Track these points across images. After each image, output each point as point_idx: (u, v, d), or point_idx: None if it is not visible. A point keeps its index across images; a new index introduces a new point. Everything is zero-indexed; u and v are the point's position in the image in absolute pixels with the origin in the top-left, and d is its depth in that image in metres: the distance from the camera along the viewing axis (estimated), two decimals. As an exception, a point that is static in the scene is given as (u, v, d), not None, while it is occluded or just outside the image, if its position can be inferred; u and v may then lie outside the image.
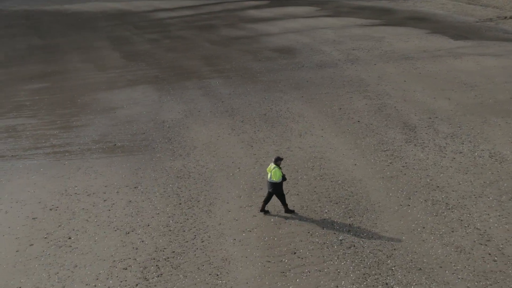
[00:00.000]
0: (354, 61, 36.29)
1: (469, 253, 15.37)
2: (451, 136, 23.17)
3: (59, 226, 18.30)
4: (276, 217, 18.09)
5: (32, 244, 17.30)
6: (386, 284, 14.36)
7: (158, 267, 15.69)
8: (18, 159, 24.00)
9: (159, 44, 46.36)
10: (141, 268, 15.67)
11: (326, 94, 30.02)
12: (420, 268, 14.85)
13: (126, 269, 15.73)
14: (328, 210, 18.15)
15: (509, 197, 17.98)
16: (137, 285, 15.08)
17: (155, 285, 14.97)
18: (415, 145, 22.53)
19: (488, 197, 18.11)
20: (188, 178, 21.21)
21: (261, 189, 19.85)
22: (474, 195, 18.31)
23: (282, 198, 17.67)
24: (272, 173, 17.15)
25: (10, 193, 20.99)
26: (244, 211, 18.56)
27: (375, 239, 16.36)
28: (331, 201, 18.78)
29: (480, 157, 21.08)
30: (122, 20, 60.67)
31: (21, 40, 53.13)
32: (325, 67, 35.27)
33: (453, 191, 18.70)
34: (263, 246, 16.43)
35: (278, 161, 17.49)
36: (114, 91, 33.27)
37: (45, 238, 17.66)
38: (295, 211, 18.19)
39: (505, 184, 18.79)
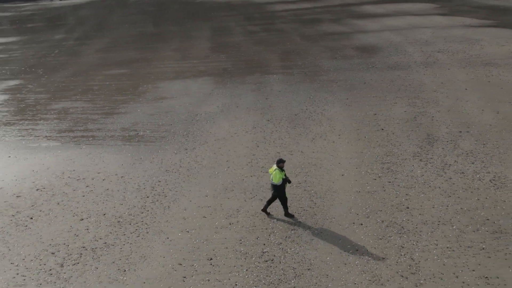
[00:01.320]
0: (430, 64, 34.05)
1: (382, 284, 13.97)
2: (467, 154, 21.02)
3: (32, 206, 19.41)
4: (224, 219, 17.71)
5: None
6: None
7: (80, 256, 16.14)
8: (48, 139, 25.78)
9: (253, 37, 46.81)
10: (66, 255, 16.23)
11: (373, 97, 28.55)
12: (322, 294, 13.74)
13: (54, 253, 16.38)
14: (277, 220, 17.38)
15: (475, 228, 16.04)
16: (50, 269, 15.60)
17: (64, 273, 15.42)
18: (420, 160, 20.79)
19: (452, 226, 16.32)
20: (175, 173, 21.51)
21: (233, 190, 19.66)
22: (439, 221, 16.58)
23: (282, 201, 17.09)
24: (273, 175, 16.72)
25: (17, 170, 22.64)
26: (198, 211, 18.43)
27: (299, 255, 15.47)
28: (283, 212, 17.64)
29: (480, 180, 18.94)
30: (239, 11, 61.97)
31: (137, 27, 56.56)
32: (394, 69, 33.49)
33: (419, 214, 17.07)
34: (188, 248, 16.25)
35: (280, 163, 16.85)
36: (176, 81, 34.37)
37: (12, 216, 18.81)
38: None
39: (481, 214, 16.77)
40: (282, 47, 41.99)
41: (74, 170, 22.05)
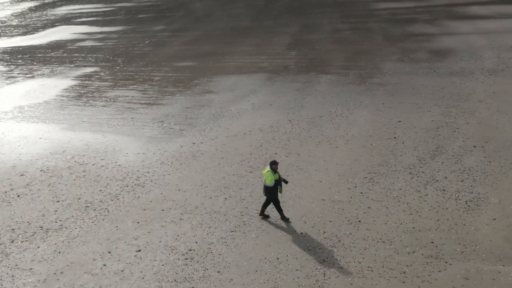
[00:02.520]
0: (495, 72, 31.88)
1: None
2: (463, 171, 19.71)
3: (27, 185, 21.24)
4: (179, 214, 18.25)
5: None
6: None
7: (33, 235, 17.50)
8: (81, 124, 27.78)
9: (335, 35, 46.30)
10: (22, 232, 17.60)
11: (410, 104, 27.46)
12: None
13: (14, 230, 17.88)
14: (225, 221, 17.68)
15: (412, 250, 15.29)
16: (0, 244, 16.99)
17: (9, 248, 16.77)
18: (410, 173, 19.83)
19: (390, 245, 15.63)
20: (168, 165, 22.32)
21: (207, 187, 20.08)
22: (380, 239, 15.94)
23: (275, 204, 16.80)
24: (265, 176, 16.75)
25: (38, 151, 24.70)
26: (161, 203, 19.10)
27: (220, 257, 15.72)
28: (236, 215, 18.04)
29: (456, 200, 17.76)
30: (340, 8, 61.35)
31: (233, 21, 57.95)
32: (455, 75, 31.81)
33: (366, 229, 16.50)
34: (126, 238, 17.00)
35: (272, 165, 16.71)
36: (231, 76, 35.25)
37: (5, 192, 20.80)
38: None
39: (430, 235, 15.76)
40: (357, 46, 41.04)
41: (83, 155, 23.39)
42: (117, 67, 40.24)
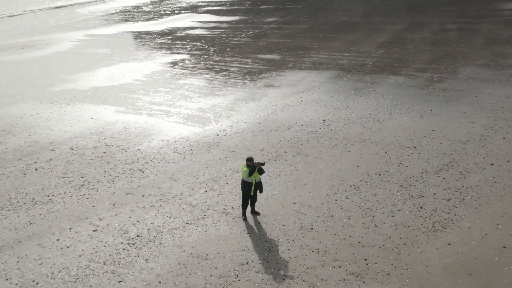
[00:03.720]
0: None
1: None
2: (458, 189, 18.50)
3: (49, 160, 23.18)
4: (133, 204, 18.97)
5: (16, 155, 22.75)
6: None
7: (12, 205, 19.25)
8: (139, 108, 29.56)
9: (435, 35, 44.43)
10: (5, 201, 19.50)
11: (459, 113, 26.01)
12: None
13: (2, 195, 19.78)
14: (185, 212, 18.13)
15: (322, 264, 14.78)
16: None
17: None
18: (400, 185, 19.07)
19: (297, 256, 15.35)
20: (177, 153, 23.06)
21: (177, 180, 20.50)
22: (308, 249, 15.71)
23: (243, 197, 16.93)
24: (242, 171, 17.09)
25: (81, 130, 26.66)
26: (131, 191, 19.90)
27: (131, 250, 16.21)
28: (203, 208, 18.44)
29: (425, 219, 16.78)
30: (461, 7, 58.33)
31: (347, 15, 57.42)
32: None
33: (303, 237, 16.32)
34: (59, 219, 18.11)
35: (247, 161, 17.05)
36: (301, 72, 35.46)
37: (28, 164, 22.81)
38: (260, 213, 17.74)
39: (359, 252, 15.17)
40: (450, 48, 38.96)
41: (115, 138, 25.08)
42: (205, 56, 41.67)
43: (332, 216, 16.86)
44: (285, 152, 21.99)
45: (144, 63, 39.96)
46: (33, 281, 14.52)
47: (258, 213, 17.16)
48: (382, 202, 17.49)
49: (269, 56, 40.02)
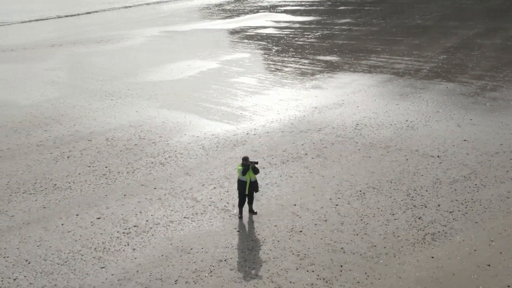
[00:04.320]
0: None
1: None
2: (464, 203, 17.98)
3: (83, 149, 24.42)
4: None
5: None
6: None
7: (26, 187, 20.69)
8: (184, 103, 30.62)
9: (510, 41, 42.62)
10: (25, 181, 20.99)
11: (500, 123, 25.09)
12: None
13: (26, 182, 21.26)
14: (187, 207, 18.73)
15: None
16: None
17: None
18: (407, 195, 18.82)
19: (276, 257, 15.66)
20: (202, 150, 23.74)
21: (192, 175, 21.15)
22: (281, 248, 16.00)
23: (239, 196, 17.65)
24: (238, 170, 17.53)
25: (127, 123, 27.92)
26: (139, 183, 20.65)
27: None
28: (205, 204, 18.91)
29: (418, 230, 16.52)
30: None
31: (421, 19, 56.12)
32: None
33: (288, 240, 16.64)
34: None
35: (243, 160, 17.37)
36: (355, 74, 35.32)
37: (63, 152, 24.28)
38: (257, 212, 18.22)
39: (324, 255, 15.29)
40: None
41: (150, 131, 26.14)
42: (265, 56, 42.17)
43: (326, 220, 16.83)
44: (306, 154, 22.00)
45: (206, 60, 40.88)
46: (26, 260, 15.42)
47: (255, 213, 17.33)
48: (381, 210, 17.20)
49: (327, 58, 39.84)
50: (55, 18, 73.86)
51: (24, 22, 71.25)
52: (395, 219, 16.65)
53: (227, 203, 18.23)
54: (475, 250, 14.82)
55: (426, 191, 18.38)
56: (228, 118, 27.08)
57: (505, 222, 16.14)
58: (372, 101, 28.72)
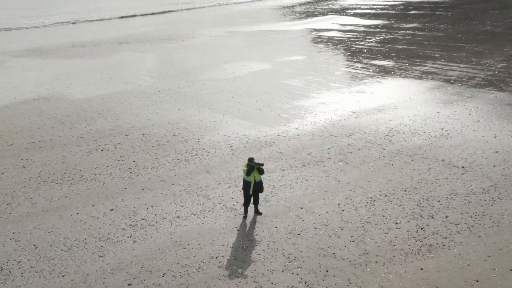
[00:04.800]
0: None
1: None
2: (473, 216, 17.50)
3: (117, 144, 25.41)
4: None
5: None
6: None
7: (55, 175, 21.87)
8: (226, 102, 31.31)
9: None
10: (57, 171, 22.17)
11: None
12: None
13: (57, 173, 22.63)
14: (198, 204, 19.09)
15: (268, 270, 14.92)
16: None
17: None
18: (418, 204, 18.57)
19: (265, 258, 16.01)
20: (229, 149, 24.07)
21: (212, 174, 21.49)
22: (274, 249, 16.34)
23: (244, 197, 17.46)
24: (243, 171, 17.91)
25: (169, 120, 28.68)
26: (159, 178, 21.25)
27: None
28: (215, 202, 19.29)
29: (417, 240, 16.30)
30: None
31: (487, 25, 54.47)
32: None
33: (284, 242, 16.99)
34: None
35: (248, 161, 17.64)
36: (403, 80, 35.04)
37: (98, 145, 25.56)
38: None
39: (313, 259, 15.34)
40: None
41: (186, 129, 26.92)
42: (321, 59, 42.25)
43: (327, 225, 16.87)
44: (329, 158, 22.02)
45: (260, 62, 41.32)
46: (34, 245, 16.38)
47: (260, 213, 17.59)
48: (386, 218, 17.06)
49: (382, 62, 39.38)
50: (131, 16, 76.44)
51: (103, 19, 74.19)
52: (396, 228, 16.43)
53: (236, 202, 18.50)
54: (468, 265, 14.44)
55: (438, 201, 17.97)
56: (264, 119, 27.48)
57: (510, 238, 15.57)
58: (413, 108, 28.23)
